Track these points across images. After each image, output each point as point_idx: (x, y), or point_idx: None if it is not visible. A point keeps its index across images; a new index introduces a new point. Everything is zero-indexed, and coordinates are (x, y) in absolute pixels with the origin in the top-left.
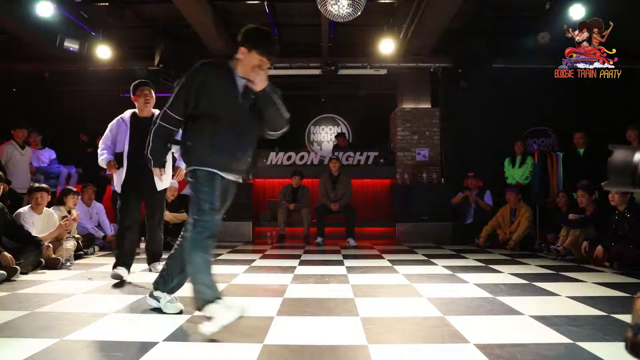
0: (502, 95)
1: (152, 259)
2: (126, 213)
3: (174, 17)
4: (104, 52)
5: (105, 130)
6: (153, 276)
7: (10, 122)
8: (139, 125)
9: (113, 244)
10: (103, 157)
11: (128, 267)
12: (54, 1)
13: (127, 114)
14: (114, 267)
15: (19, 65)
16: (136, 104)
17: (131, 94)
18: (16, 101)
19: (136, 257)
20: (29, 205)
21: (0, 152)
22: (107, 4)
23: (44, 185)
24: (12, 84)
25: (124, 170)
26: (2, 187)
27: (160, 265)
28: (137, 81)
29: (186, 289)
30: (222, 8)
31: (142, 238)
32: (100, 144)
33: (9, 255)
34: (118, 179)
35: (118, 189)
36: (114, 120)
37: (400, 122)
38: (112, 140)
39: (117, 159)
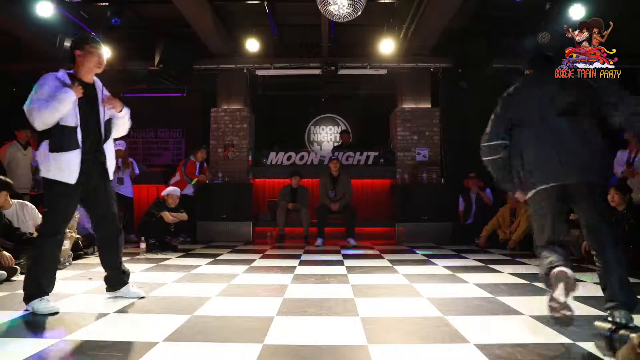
0: (502, 95)
1: (117, 278)
2: (63, 214)
3: (174, 17)
4: (104, 52)
5: None
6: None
7: (10, 123)
8: (85, 92)
9: None
10: (59, 95)
11: (48, 292)
12: (54, 1)
13: (61, 74)
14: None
15: (19, 65)
16: (82, 62)
17: (75, 46)
18: (16, 101)
19: (136, 257)
20: None
21: (3, 153)
22: (107, 3)
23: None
24: (12, 84)
25: (78, 153)
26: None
27: (134, 288)
28: (85, 34)
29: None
30: (222, 8)
31: (142, 238)
32: (32, 104)
33: (9, 255)
34: (70, 163)
35: (68, 178)
36: (47, 78)
37: (400, 122)
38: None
39: (69, 134)
